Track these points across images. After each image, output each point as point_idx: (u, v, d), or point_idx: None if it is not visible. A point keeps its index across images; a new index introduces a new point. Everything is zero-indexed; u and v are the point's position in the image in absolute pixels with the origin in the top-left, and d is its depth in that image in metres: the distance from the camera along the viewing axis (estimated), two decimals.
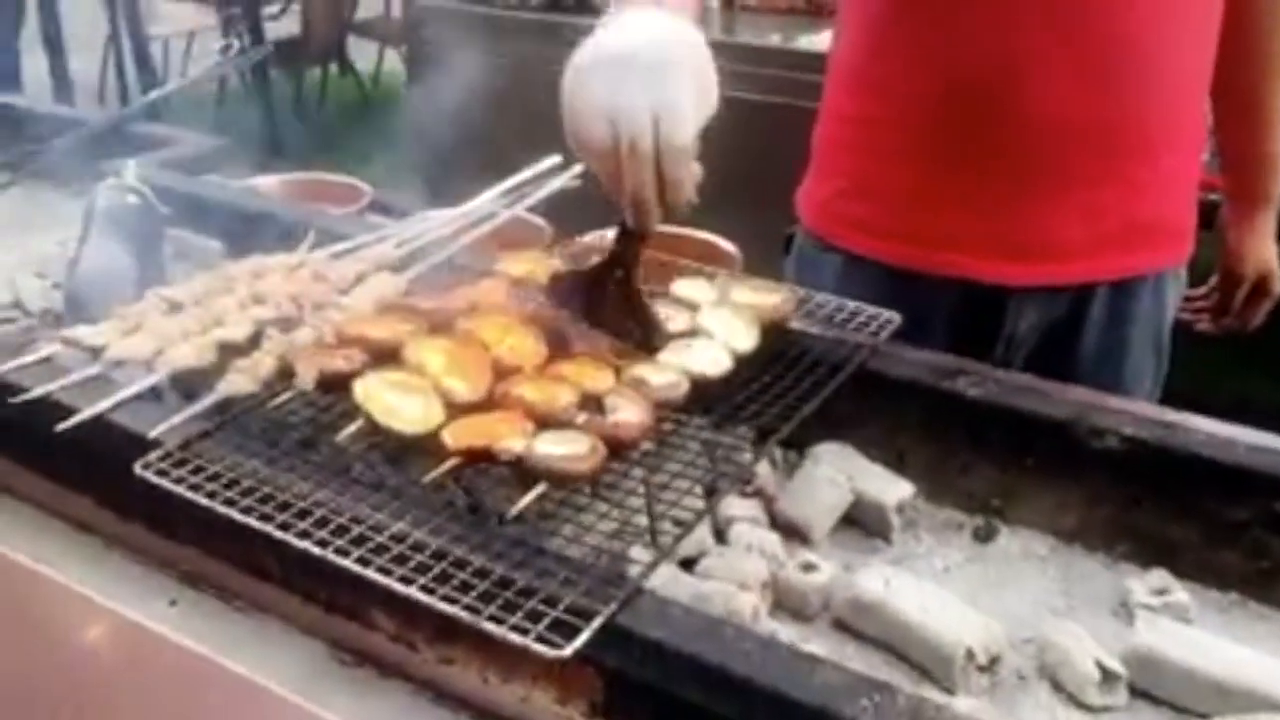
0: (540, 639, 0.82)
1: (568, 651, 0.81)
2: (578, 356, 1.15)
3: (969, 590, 1.10)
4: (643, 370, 1.11)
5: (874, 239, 1.54)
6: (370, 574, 0.89)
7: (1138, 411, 1.13)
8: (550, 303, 1.19)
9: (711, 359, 1.12)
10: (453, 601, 0.86)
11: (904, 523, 1.18)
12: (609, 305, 1.14)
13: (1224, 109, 1.57)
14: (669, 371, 1.10)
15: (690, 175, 1.02)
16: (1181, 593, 1.04)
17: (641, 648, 0.84)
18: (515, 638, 0.83)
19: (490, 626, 0.84)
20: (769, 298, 1.23)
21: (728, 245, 1.75)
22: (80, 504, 1.20)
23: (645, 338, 1.14)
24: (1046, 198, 1.44)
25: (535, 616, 0.85)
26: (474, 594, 0.86)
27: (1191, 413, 1.18)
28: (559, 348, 1.17)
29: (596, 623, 0.84)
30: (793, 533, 1.15)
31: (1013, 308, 1.49)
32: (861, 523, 1.18)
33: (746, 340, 1.16)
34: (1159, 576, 1.07)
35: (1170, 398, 1.56)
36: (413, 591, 0.87)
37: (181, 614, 1.11)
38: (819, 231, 1.63)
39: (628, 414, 1.05)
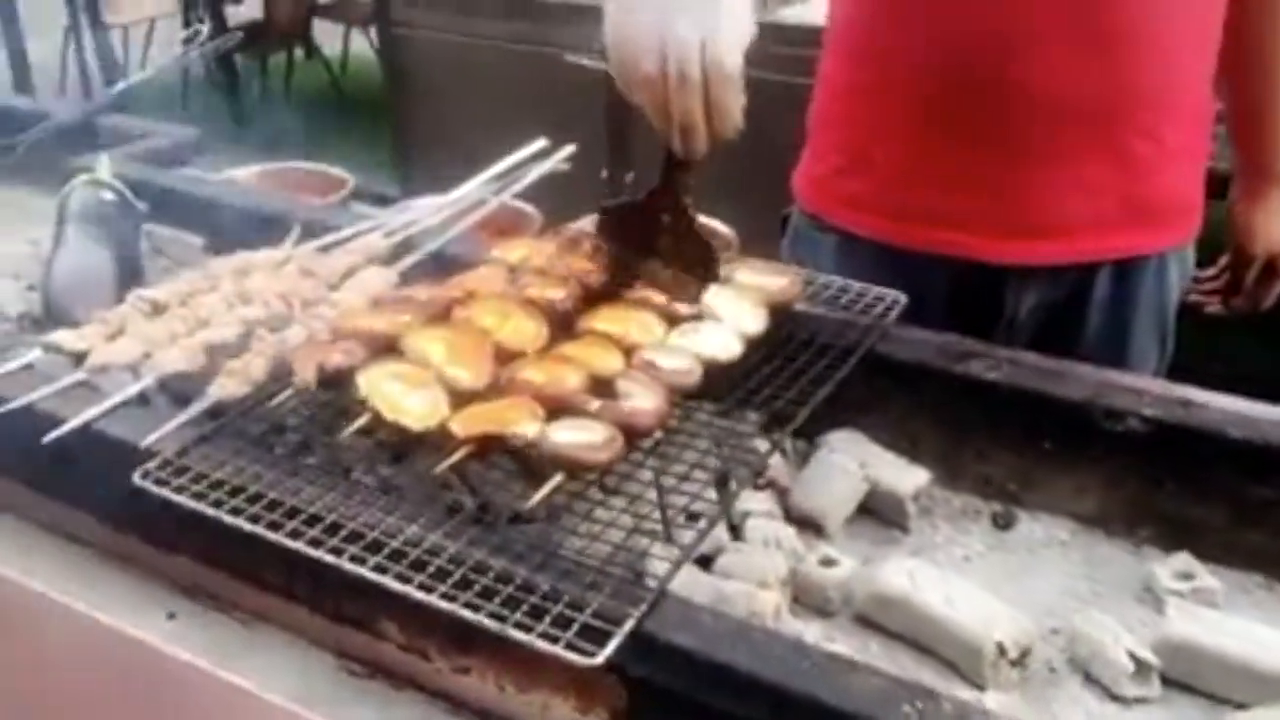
0: (570, 646, 0.79)
1: (600, 659, 0.78)
2: (584, 336, 1.12)
3: (991, 579, 1.08)
4: (653, 353, 1.07)
5: (870, 216, 1.51)
6: (388, 582, 0.85)
7: (1155, 391, 1.11)
8: (600, 239, 1.20)
9: (722, 344, 1.09)
10: (475, 609, 0.82)
11: (920, 510, 1.16)
12: (661, 236, 1.15)
13: (1230, 79, 1.54)
14: (681, 355, 1.07)
15: (738, 102, 1.03)
16: (1209, 577, 1.03)
17: (668, 654, 0.82)
18: (544, 645, 0.80)
19: (518, 635, 0.80)
20: (775, 280, 1.20)
21: (723, 228, 1.72)
22: (69, 515, 1.15)
23: (702, 265, 1.15)
24: (1044, 174, 1.41)
25: (561, 622, 0.81)
26: (496, 600, 0.83)
27: (1194, 386, 1.17)
28: (561, 329, 1.14)
29: (627, 627, 0.81)
30: (807, 524, 1.13)
31: (1013, 288, 1.47)
32: (877, 512, 1.16)
33: (755, 323, 1.13)
34: (1183, 560, 1.05)
35: (1170, 371, 1.55)
36: (433, 600, 0.84)
37: (181, 627, 1.06)
38: (814, 210, 1.60)
39: (642, 400, 1.01)
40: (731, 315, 1.13)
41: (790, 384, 1.10)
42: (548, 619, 0.81)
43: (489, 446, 0.98)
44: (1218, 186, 1.59)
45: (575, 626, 0.81)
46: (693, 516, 1.04)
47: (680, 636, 0.82)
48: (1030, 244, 1.44)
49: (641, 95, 1.05)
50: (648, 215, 1.16)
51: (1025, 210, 1.43)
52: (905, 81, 1.44)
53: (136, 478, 0.96)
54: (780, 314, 1.17)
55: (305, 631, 1.04)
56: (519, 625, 0.81)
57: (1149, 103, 1.41)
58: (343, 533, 0.90)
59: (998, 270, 1.46)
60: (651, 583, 0.90)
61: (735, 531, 1.10)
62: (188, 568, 1.09)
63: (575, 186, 1.62)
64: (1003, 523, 1.15)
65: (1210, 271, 1.70)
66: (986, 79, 1.37)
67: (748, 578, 1.00)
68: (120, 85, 2.03)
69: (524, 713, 0.93)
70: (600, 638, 0.80)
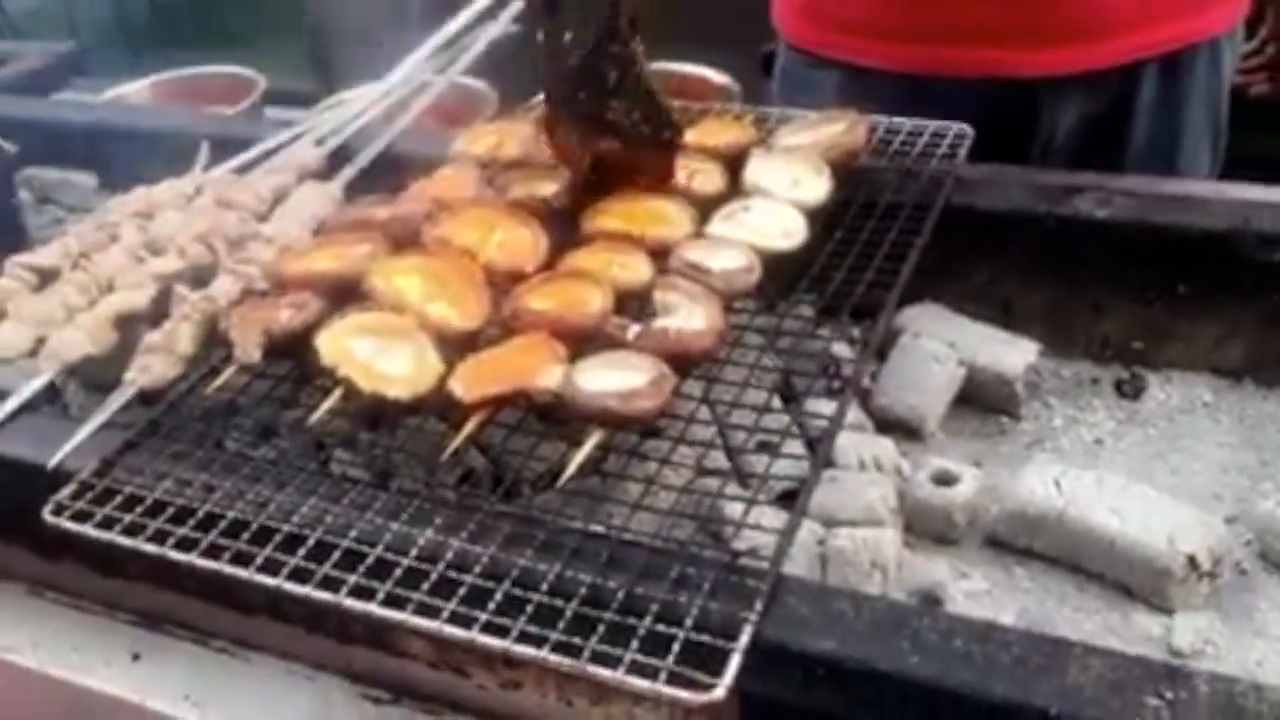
0: (674, 679, 0.58)
1: (720, 691, 0.57)
2: (594, 240, 0.88)
3: (1133, 464, 0.88)
4: (696, 251, 0.84)
5: (875, 42, 1.28)
6: (409, 618, 0.63)
7: None
8: (553, 132, 0.94)
9: (781, 228, 0.86)
10: (538, 642, 0.61)
11: (1026, 389, 0.95)
12: (611, 102, 0.89)
13: None
14: (733, 250, 0.83)
15: None
16: None
17: (804, 666, 0.60)
18: (640, 683, 0.59)
19: (602, 672, 0.59)
20: (827, 128, 0.96)
21: (719, 77, 1.46)
22: None
23: (658, 128, 0.90)
24: None
25: (654, 643, 0.60)
26: (561, 624, 0.62)
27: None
28: (562, 233, 0.89)
29: (744, 640, 0.60)
30: (898, 428, 0.92)
31: (1048, 104, 1.26)
32: (977, 400, 0.95)
33: (817, 189, 0.89)
34: None
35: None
36: (476, 636, 0.62)
37: (150, 669, 0.86)
38: (806, 44, 1.36)
39: (692, 316, 0.79)
40: (783, 185, 0.88)
41: (865, 259, 0.87)
42: (635, 642, 0.60)
43: (504, 406, 0.75)
44: None
45: (676, 647, 0.59)
46: (763, 445, 0.83)
47: (818, 641, 0.61)
48: (1067, 49, 1.23)
49: None
50: (593, 78, 0.90)
51: (1058, 8, 1.21)
52: None
53: (47, 516, 0.72)
54: (844, 172, 0.93)
55: (307, 657, 0.83)
56: (598, 657, 0.60)
57: None
58: (335, 555, 0.67)
59: (1030, 85, 1.24)
60: (745, 551, 0.69)
61: (811, 446, 0.89)
62: (149, 595, 0.87)
63: (509, 56, 1.35)
64: (1131, 390, 0.95)
65: (1252, 45, 1.48)
66: None
67: (854, 516, 0.79)
68: None
69: None
70: (712, 659, 0.59)
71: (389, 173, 1.09)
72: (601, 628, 0.61)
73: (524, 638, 0.61)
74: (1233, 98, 1.39)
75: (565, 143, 0.93)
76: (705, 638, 0.60)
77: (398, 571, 0.66)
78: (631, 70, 0.89)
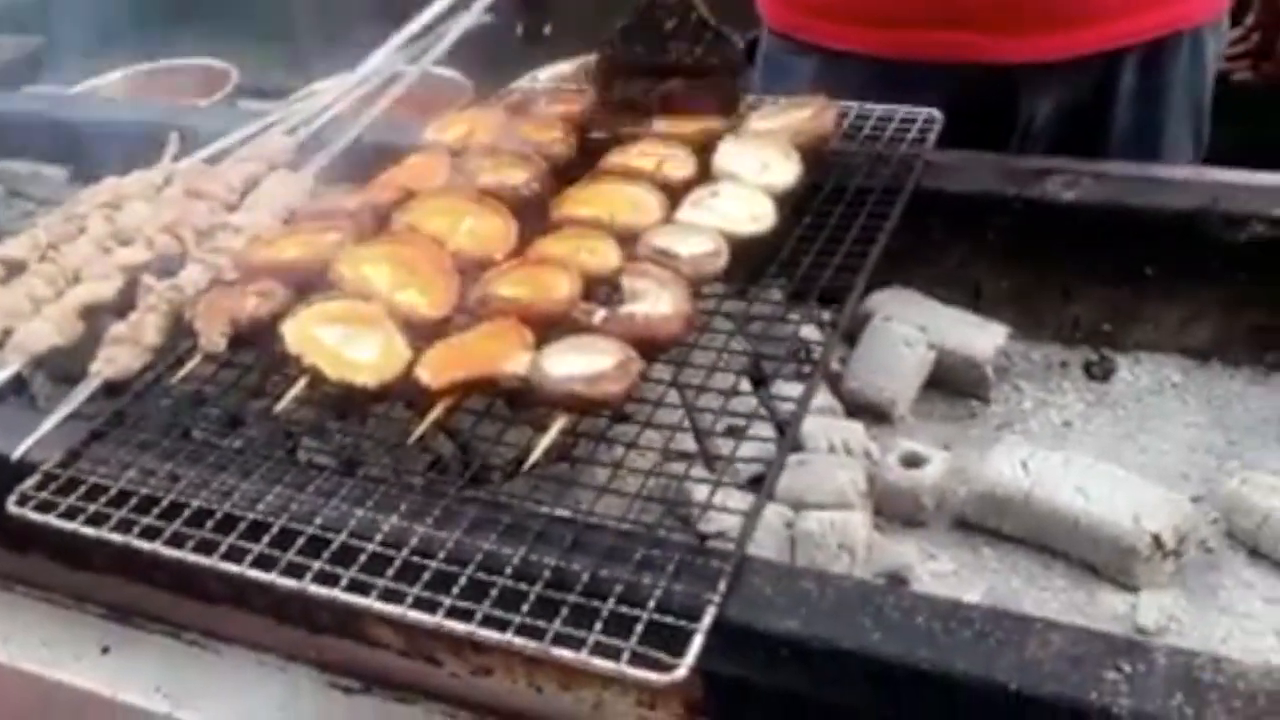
0: (636, 659, 0.58)
1: (682, 671, 0.58)
2: (563, 228, 0.88)
3: (1101, 446, 0.89)
4: (664, 237, 0.84)
5: (855, 28, 1.28)
6: (373, 604, 0.63)
7: None
8: (604, 83, 1.04)
9: (749, 213, 0.86)
10: (501, 625, 0.61)
11: (995, 373, 0.95)
12: (669, 49, 1.00)
13: None
14: (701, 235, 0.83)
15: None
16: None
17: (767, 646, 0.61)
18: (603, 664, 0.59)
19: (564, 654, 0.59)
20: (797, 114, 0.96)
21: None
22: None
23: (725, 54, 1.00)
24: None
25: (618, 624, 0.60)
26: (525, 607, 0.62)
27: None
28: (532, 221, 0.90)
29: (706, 620, 0.60)
30: (868, 412, 0.92)
31: (1027, 91, 1.25)
32: (946, 383, 0.95)
33: (786, 175, 0.89)
34: None
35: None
36: (442, 621, 0.62)
37: (120, 662, 0.86)
38: (787, 29, 1.36)
39: (659, 301, 0.78)
40: (753, 170, 0.88)
41: (834, 243, 0.87)
42: (599, 624, 0.60)
43: (471, 392, 0.75)
44: None
45: (639, 629, 0.59)
46: (733, 430, 0.83)
47: (781, 620, 0.61)
48: (1048, 35, 1.23)
49: None
50: (651, 30, 0.99)
51: None
52: None
53: (11, 506, 0.72)
54: (813, 157, 0.93)
55: (278, 648, 0.83)
56: (561, 639, 0.60)
57: None
58: (299, 541, 0.67)
59: (1009, 72, 1.24)
60: (711, 533, 0.70)
61: (781, 430, 0.89)
62: (117, 588, 0.86)
63: (487, 47, 1.35)
64: (1100, 373, 0.95)
65: (1236, 31, 1.48)
66: None
67: (823, 501, 0.79)
68: None
69: (570, 712, 0.74)
70: (674, 639, 0.59)
71: (361, 162, 1.08)
72: (565, 610, 0.61)
73: (488, 621, 0.61)
74: (1216, 86, 1.39)
75: (626, 95, 1.02)
76: (668, 619, 0.60)
77: (362, 557, 0.66)
78: (689, 15, 0.98)
